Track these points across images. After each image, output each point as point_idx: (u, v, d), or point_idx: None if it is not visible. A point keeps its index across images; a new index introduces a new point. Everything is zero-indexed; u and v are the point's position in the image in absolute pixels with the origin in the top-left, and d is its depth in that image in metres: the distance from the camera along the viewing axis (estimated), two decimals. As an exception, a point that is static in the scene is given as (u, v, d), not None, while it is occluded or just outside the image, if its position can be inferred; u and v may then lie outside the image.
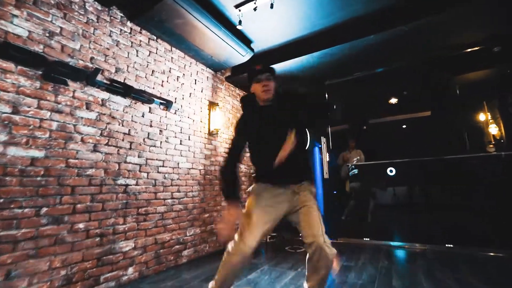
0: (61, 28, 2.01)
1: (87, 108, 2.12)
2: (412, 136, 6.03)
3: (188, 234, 2.91)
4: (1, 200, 1.60)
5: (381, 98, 5.57)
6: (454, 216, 3.65)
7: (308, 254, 1.35)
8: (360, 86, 4.76)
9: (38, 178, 1.78)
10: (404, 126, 7.40)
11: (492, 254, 2.93)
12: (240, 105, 1.66)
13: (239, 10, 2.71)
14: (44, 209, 1.79)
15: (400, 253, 3.15)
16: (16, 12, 1.77)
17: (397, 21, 2.82)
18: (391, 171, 4.78)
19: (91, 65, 2.17)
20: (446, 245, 3.23)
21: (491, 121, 4.22)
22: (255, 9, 2.60)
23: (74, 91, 2.04)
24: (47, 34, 1.92)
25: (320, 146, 8.82)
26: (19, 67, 1.75)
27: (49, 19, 1.94)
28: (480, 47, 3.43)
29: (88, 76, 2.13)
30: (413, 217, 4.15)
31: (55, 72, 1.92)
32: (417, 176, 4.41)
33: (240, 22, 2.75)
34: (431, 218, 3.84)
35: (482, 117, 4.37)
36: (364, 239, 3.84)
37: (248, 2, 2.61)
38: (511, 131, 3.99)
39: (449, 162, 3.90)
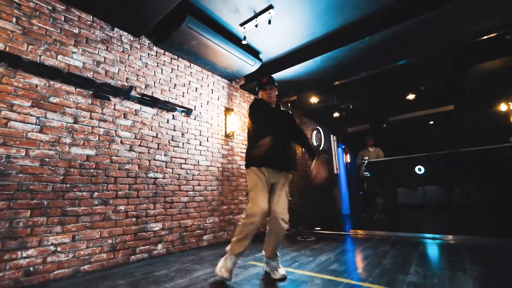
0: (105, 57, 2.65)
1: (124, 117, 2.72)
2: (436, 131, 5.87)
3: (208, 222, 3.38)
4: (68, 185, 2.22)
5: (398, 95, 5.56)
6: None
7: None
8: (371, 85, 4.88)
9: (91, 170, 2.39)
10: (431, 122, 7.18)
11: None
12: (254, 101, 2.21)
13: (244, 28, 3.16)
14: (96, 193, 2.39)
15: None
16: (74, 49, 2.43)
17: (390, 21, 3.03)
18: (419, 169, 4.79)
19: (126, 84, 2.79)
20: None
21: (513, 111, 4.05)
22: (256, 25, 3.04)
23: (115, 105, 2.66)
24: (95, 63, 2.57)
25: (343, 146, 8.87)
26: (77, 89, 2.40)
27: (96, 52, 2.59)
28: (494, 34, 3.40)
29: (124, 93, 2.74)
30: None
31: (101, 91, 2.55)
32: (438, 170, 4.39)
33: (244, 37, 3.20)
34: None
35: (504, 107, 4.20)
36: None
37: (251, 20, 3.05)
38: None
39: (470, 154, 3.88)
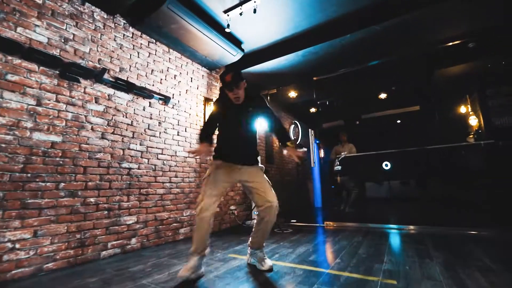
0: (74, 34, 2.39)
1: (96, 102, 2.50)
2: (403, 130, 6.28)
3: (184, 215, 3.27)
4: (29, 175, 1.99)
5: (371, 94, 5.82)
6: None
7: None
8: (348, 82, 5.05)
9: (57, 159, 2.16)
10: (398, 121, 7.64)
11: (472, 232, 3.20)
12: (220, 93, 2.03)
13: (228, 15, 3.05)
14: (62, 184, 2.17)
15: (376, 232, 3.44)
16: (38, 22, 2.16)
17: (370, 21, 3.13)
18: (386, 165, 5.10)
19: (99, 66, 2.55)
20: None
21: (471, 113, 4.45)
22: (241, 13, 2.95)
23: (85, 88, 2.42)
24: (63, 40, 2.30)
25: (318, 142, 9.11)
26: (41, 67, 2.14)
27: (64, 27, 2.33)
28: (458, 41, 3.67)
29: (96, 75, 2.51)
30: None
31: (70, 72, 2.31)
32: (403, 166, 4.71)
33: (228, 25, 3.10)
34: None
35: (463, 109, 4.60)
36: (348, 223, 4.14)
37: (235, 7, 2.96)
38: (489, 123, 4.22)
39: (432, 152, 4.19)
